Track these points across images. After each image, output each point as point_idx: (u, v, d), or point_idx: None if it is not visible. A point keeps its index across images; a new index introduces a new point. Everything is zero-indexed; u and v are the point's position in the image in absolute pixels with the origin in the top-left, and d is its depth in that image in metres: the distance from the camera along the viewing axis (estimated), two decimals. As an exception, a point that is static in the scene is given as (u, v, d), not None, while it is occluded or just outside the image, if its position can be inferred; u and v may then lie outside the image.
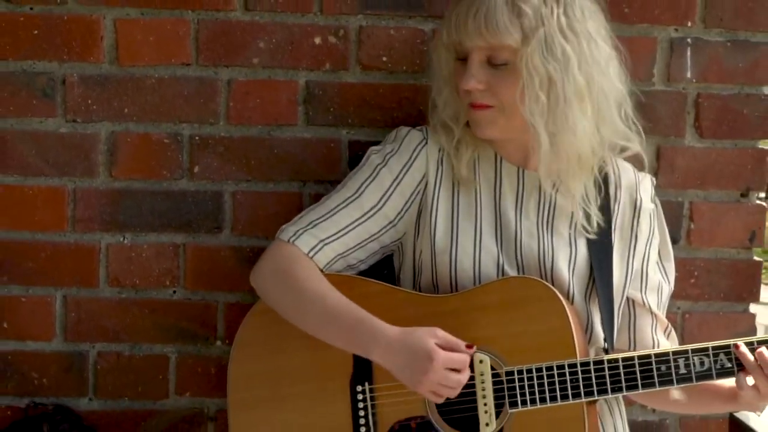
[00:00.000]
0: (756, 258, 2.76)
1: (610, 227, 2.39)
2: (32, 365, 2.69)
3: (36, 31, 2.62)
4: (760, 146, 2.74)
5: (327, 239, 2.36)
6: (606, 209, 2.39)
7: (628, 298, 2.43)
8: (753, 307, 2.79)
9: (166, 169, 2.67)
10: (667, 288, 2.48)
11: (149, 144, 2.66)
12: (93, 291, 2.68)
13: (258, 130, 2.67)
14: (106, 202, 2.66)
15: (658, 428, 2.74)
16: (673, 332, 2.49)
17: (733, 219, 2.74)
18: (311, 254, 2.35)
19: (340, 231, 2.37)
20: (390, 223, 2.38)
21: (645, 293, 2.44)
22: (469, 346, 2.24)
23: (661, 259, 2.48)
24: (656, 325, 2.45)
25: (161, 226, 2.67)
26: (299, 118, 2.67)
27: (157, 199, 2.67)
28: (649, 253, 2.44)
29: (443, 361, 2.20)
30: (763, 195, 2.80)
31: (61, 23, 2.62)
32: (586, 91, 2.27)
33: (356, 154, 2.60)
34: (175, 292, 2.69)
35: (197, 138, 2.66)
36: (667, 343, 2.45)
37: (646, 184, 2.46)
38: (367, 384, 2.34)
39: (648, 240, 2.44)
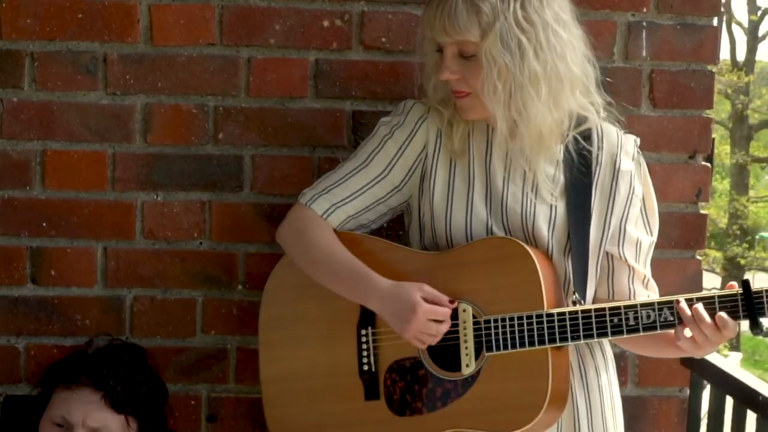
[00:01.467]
0: (702, 212, 3.16)
1: (591, 187, 2.62)
2: (76, 308, 3.01)
3: (80, 15, 2.96)
4: (704, 115, 3.12)
5: (339, 203, 2.69)
6: (587, 170, 2.62)
7: (607, 253, 2.67)
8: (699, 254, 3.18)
9: (194, 136, 3.01)
10: (648, 240, 2.71)
11: (179, 114, 3.00)
12: (130, 243, 3.01)
13: (274, 102, 3.02)
14: (141, 164, 3.00)
15: (618, 359, 3.10)
16: (652, 281, 2.71)
17: (682, 178, 3.12)
18: (325, 216, 2.68)
19: (350, 195, 2.68)
20: (395, 188, 2.69)
21: (622, 248, 2.67)
22: (451, 301, 2.54)
23: (645, 214, 2.73)
24: (633, 276, 2.69)
25: (190, 186, 3.01)
26: (309, 91, 3.02)
27: (186, 161, 3.01)
28: (627, 211, 2.66)
29: (425, 312, 2.53)
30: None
31: (102, 8, 2.96)
32: (542, 77, 2.48)
33: (359, 122, 2.99)
34: (201, 243, 3.04)
35: (221, 108, 3.01)
36: (645, 292, 2.67)
37: (627, 146, 2.66)
38: (369, 328, 2.66)
39: (627, 199, 2.66)
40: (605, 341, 2.74)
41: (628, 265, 2.70)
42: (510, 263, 2.55)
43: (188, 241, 3.03)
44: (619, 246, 2.68)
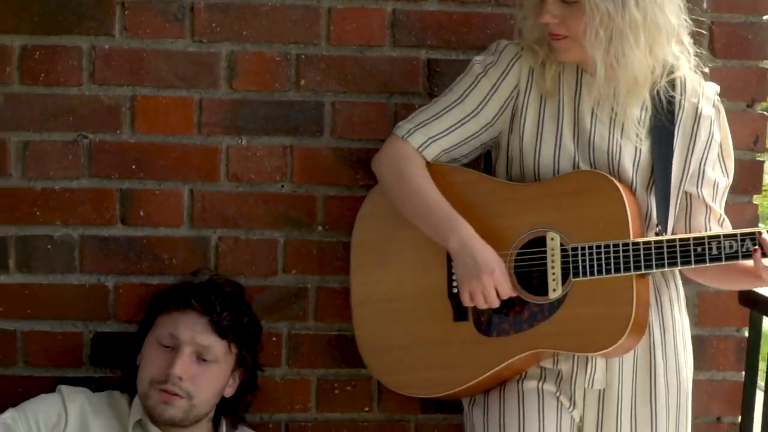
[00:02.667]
0: (758, 158, 3.31)
1: (674, 130, 2.77)
2: (163, 248, 3.13)
3: (170, -35, 3.10)
4: (761, 65, 3.27)
5: (435, 137, 2.83)
6: (671, 114, 2.76)
7: (686, 192, 2.83)
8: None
9: (277, 82, 3.13)
10: (725, 182, 2.87)
11: (263, 61, 3.13)
12: (215, 185, 3.14)
13: (352, 50, 3.14)
14: (226, 109, 3.12)
15: None
16: (727, 221, 2.86)
17: (740, 126, 3.23)
18: (421, 149, 2.82)
19: (445, 130, 2.83)
20: (488, 123, 2.83)
21: (701, 188, 2.83)
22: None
23: (723, 157, 2.89)
24: (710, 215, 2.84)
25: (273, 130, 3.14)
26: (387, 40, 3.15)
27: (269, 107, 3.13)
28: (707, 154, 2.82)
29: (497, 279, 2.70)
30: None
31: (191, -42, 3.09)
32: (641, 25, 2.59)
33: (434, 70, 3.13)
34: (283, 186, 3.16)
35: (303, 56, 3.13)
36: (720, 229, 2.81)
37: (709, 93, 2.82)
38: None
39: (707, 143, 2.81)
40: (678, 277, 2.90)
41: (706, 204, 2.85)
42: (597, 195, 2.69)
43: (270, 183, 3.15)
44: (697, 186, 2.84)
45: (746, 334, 3.32)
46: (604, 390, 2.81)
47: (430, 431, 3.28)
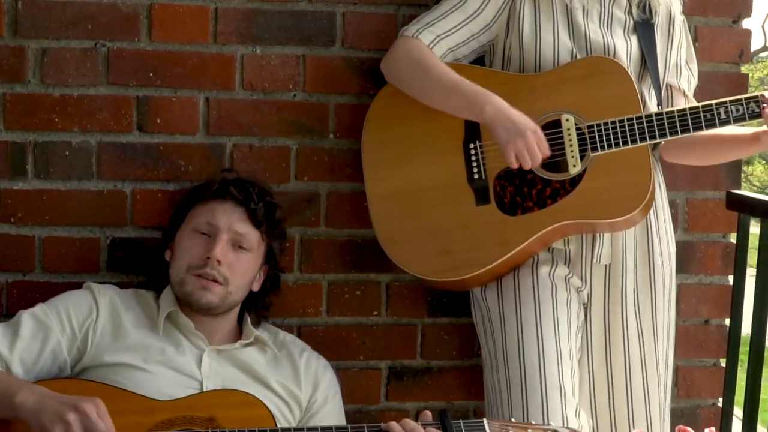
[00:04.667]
0: (743, 71, 3.48)
1: (654, 29, 3.04)
2: (179, 155, 3.20)
3: None
4: (746, -18, 3.46)
5: (442, 35, 3.01)
6: (650, 15, 3.04)
7: (667, 84, 3.09)
8: None
9: (291, -7, 3.23)
10: (694, 81, 3.17)
11: (277, -28, 3.23)
12: (230, 93, 3.22)
13: (364, -37, 3.25)
14: (242, 18, 3.20)
15: (670, 206, 3.35)
16: None
17: (726, 40, 3.44)
18: (431, 46, 2.99)
19: (451, 29, 3.01)
20: (487, 25, 3.02)
21: (680, 80, 3.10)
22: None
23: (688, 61, 3.15)
24: (687, 103, 3.09)
25: (286, 40, 3.23)
26: (396, -48, 3.26)
27: (282, 17, 3.22)
28: (680, 52, 3.11)
29: (539, 138, 2.87)
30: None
31: None
32: None
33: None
34: (295, 95, 3.26)
35: (316, -32, 3.24)
36: None
37: (677, 4, 3.11)
38: (477, 141, 2.98)
39: (679, 43, 3.10)
40: (660, 171, 3.12)
41: (684, 94, 3.10)
42: (606, 77, 2.91)
43: (284, 92, 3.24)
44: (677, 78, 3.08)
45: (732, 240, 3.49)
46: (609, 266, 3.01)
47: (436, 334, 3.40)
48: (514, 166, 2.89)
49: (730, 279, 3.50)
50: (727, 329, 3.52)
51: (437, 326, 3.40)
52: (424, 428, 2.58)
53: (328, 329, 3.33)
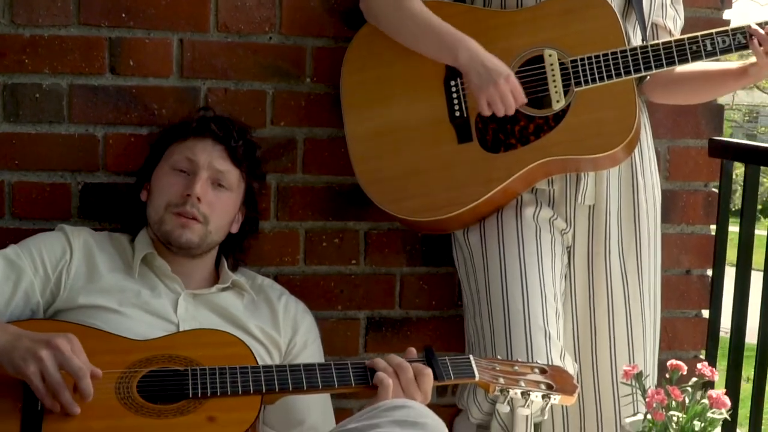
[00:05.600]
0: (725, 17, 3.45)
1: None
2: (153, 98, 3.12)
3: None
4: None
5: None
6: None
7: (653, 24, 3.03)
8: None
9: (267, -67, 3.16)
10: (680, 22, 3.10)
11: None
12: (204, 35, 3.13)
13: None
14: (216, -42, 3.13)
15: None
16: None
17: (707, -14, 3.41)
18: None
19: None
20: None
21: (665, 19, 3.05)
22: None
23: (673, 2, 3.09)
24: None
25: (261, -20, 3.16)
26: None
27: (258, -43, 3.15)
28: None
29: (513, 84, 2.80)
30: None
31: None
32: None
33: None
34: (271, 37, 3.18)
35: None
36: None
37: None
38: (458, 79, 2.92)
39: None
40: (646, 113, 3.07)
41: (670, 33, 3.04)
42: (588, 11, 2.85)
43: (259, 34, 3.16)
44: (663, 17, 3.02)
45: (714, 189, 3.45)
46: (593, 206, 2.97)
47: (415, 283, 3.35)
48: (486, 113, 2.84)
49: (712, 228, 3.46)
50: (709, 280, 3.48)
51: (416, 276, 3.34)
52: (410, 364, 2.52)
53: (306, 278, 3.26)
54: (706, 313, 3.50)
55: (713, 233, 3.47)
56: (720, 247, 3.39)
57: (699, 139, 3.44)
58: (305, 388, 2.53)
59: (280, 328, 2.88)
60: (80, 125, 3.10)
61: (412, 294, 3.34)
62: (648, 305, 3.05)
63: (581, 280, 2.99)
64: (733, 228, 3.49)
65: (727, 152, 3.31)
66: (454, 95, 2.91)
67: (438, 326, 3.35)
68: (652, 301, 3.07)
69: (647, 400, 2.42)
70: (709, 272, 3.49)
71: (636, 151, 2.98)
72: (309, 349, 2.91)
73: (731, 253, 3.34)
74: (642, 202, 3.03)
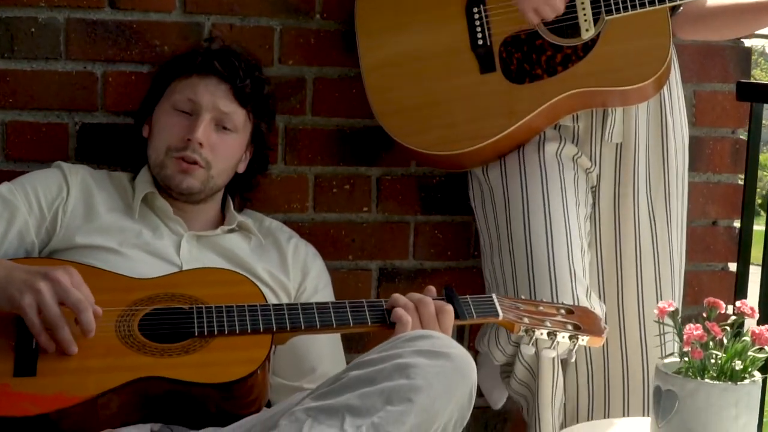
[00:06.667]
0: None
1: None
2: (154, 34, 2.96)
3: None
4: None
5: None
6: None
7: None
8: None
9: None
10: None
11: None
12: (209, -33, 2.98)
13: None
14: None
15: None
16: None
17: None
18: None
19: None
20: None
21: None
22: None
23: None
24: None
25: None
26: None
27: None
28: None
29: None
30: None
31: None
32: None
33: None
34: (279, -28, 3.03)
35: None
36: None
37: None
38: (481, 5, 2.77)
39: None
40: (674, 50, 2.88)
41: None
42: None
43: (267, -34, 3.01)
44: None
45: (742, 136, 3.30)
46: (620, 144, 2.81)
47: (429, 232, 3.20)
48: (535, 22, 2.69)
49: (740, 177, 3.31)
50: (737, 231, 3.32)
51: (431, 224, 3.19)
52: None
53: (315, 226, 3.11)
54: (733, 267, 3.35)
55: (741, 182, 3.31)
56: (749, 196, 3.23)
57: (726, 83, 3.29)
58: (318, 326, 2.37)
59: (289, 271, 2.73)
60: (78, 62, 2.94)
61: (427, 243, 3.19)
62: (676, 250, 2.89)
63: (607, 222, 2.84)
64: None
65: (756, 95, 3.15)
66: (477, 22, 2.77)
67: (453, 277, 3.19)
68: (680, 246, 2.92)
69: (685, 337, 2.26)
70: (736, 224, 3.34)
71: (665, 88, 2.83)
72: (320, 295, 2.76)
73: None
74: (671, 141, 2.88)
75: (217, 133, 2.66)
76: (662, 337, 2.69)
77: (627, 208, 2.84)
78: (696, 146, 3.26)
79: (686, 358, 2.30)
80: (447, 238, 3.19)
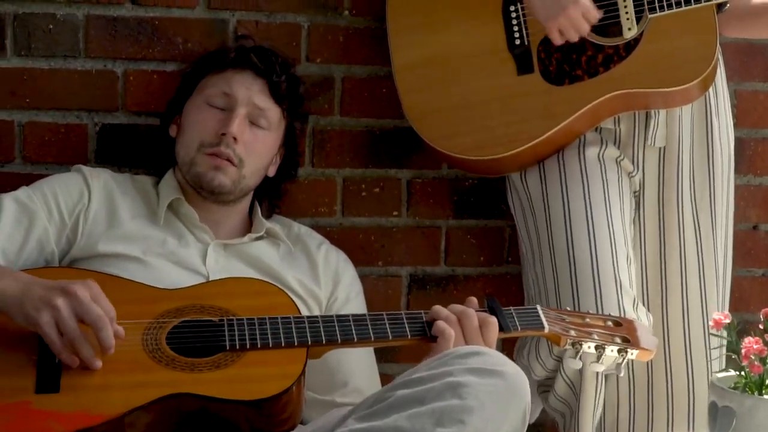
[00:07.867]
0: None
1: None
2: (177, 31, 2.86)
3: None
4: None
5: None
6: None
7: None
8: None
9: None
10: None
11: None
12: (234, -39, 2.88)
13: None
14: None
15: None
16: None
17: None
18: None
19: None
20: None
21: None
22: None
23: None
24: None
25: None
26: None
27: None
28: None
29: (583, 6, 2.54)
30: None
31: None
32: None
33: None
34: (306, -33, 2.92)
35: None
36: None
37: None
38: (519, 4, 2.66)
39: None
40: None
41: None
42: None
43: (294, -39, 2.91)
44: None
45: (786, 137, 3.20)
46: (664, 148, 2.72)
47: (462, 237, 3.08)
48: (559, 43, 2.61)
49: (783, 180, 3.21)
50: (779, 235, 3.22)
51: (464, 229, 3.07)
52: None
53: (343, 231, 3.00)
54: (774, 272, 3.24)
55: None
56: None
57: (769, 83, 3.17)
58: (355, 340, 2.26)
59: (320, 280, 2.62)
60: (98, 60, 2.84)
61: (459, 249, 3.07)
62: (721, 258, 2.78)
63: (651, 229, 2.74)
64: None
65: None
66: (514, 21, 2.67)
67: (487, 284, 3.09)
68: (725, 254, 2.81)
69: (743, 350, 2.15)
70: (780, 227, 3.23)
71: (710, 89, 2.72)
72: (352, 304, 2.65)
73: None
74: (717, 145, 2.79)
75: (251, 130, 2.57)
76: (720, 349, 2.58)
77: (671, 214, 2.74)
78: (736, 147, 3.13)
79: (742, 373, 2.19)
80: (480, 244, 3.08)
